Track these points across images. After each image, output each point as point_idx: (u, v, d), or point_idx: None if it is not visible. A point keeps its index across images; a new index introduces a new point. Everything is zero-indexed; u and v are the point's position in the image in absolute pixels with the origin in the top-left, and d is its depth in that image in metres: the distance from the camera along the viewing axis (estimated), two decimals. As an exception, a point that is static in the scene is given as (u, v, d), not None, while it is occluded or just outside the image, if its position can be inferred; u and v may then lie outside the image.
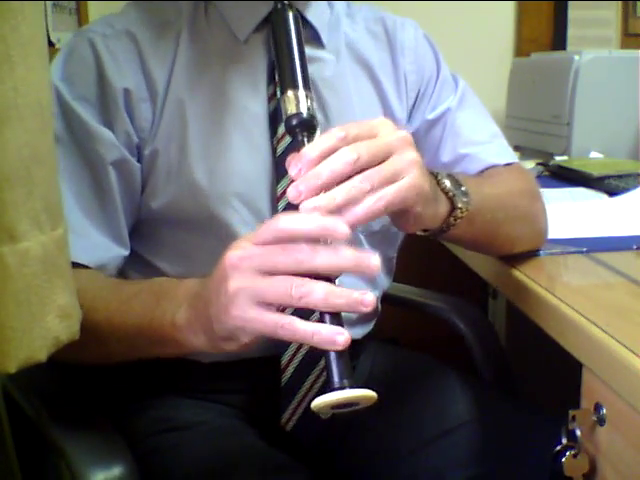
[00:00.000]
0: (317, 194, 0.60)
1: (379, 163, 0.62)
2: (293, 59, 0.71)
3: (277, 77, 0.73)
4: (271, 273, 0.57)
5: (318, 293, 0.57)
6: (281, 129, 0.83)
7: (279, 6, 0.77)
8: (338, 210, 0.60)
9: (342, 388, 0.56)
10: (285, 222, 0.58)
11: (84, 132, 0.81)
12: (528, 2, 1.98)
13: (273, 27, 0.76)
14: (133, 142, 0.82)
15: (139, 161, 0.83)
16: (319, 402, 0.56)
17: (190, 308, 0.64)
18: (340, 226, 0.58)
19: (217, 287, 0.59)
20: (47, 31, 1.60)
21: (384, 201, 0.61)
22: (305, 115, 0.67)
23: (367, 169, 0.61)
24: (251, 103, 0.85)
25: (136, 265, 0.86)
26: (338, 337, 0.57)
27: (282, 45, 0.73)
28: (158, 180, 0.83)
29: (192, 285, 0.66)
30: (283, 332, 0.57)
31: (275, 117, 0.84)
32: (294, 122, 0.67)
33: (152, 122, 0.83)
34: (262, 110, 0.85)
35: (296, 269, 0.57)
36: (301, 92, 0.68)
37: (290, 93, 0.68)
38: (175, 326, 0.65)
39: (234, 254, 0.59)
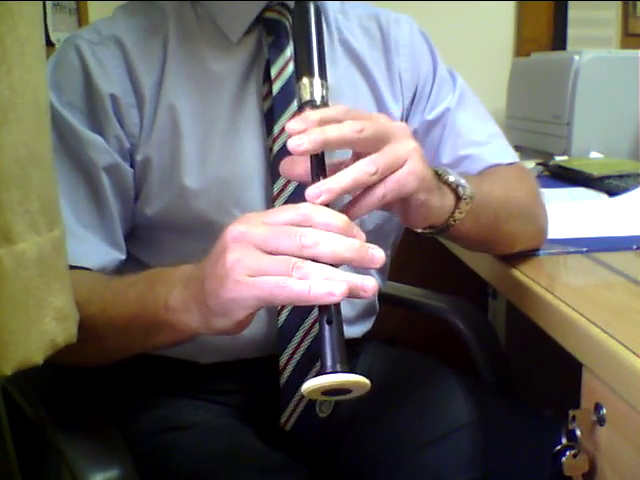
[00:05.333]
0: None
1: (379, 148, 0.62)
2: (311, 46, 0.70)
3: (293, 64, 0.72)
4: (272, 253, 0.57)
5: (319, 275, 0.55)
6: (277, 128, 0.83)
7: None
8: (343, 193, 0.60)
9: (334, 372, 0.54)
10: (309, 211, 0.58)
11: (75, 139, 0.81)
12: (528, 2, 1.98)
13: (293, 15, 0.74)
14: (125, 147, 0.82)
15: (132, 166, 0.83)
16: (309, 385, 0.53)
17: (185, 288, 0.63)
18: (359, 232, 0.58)
19: (215, 259, 0.58)
20: (47, 31, 1.61)
21: (383, 190, 0.62)
22: (319, 103, 0.66)
23: (367, 152, 0.62)
24: (244, 104, 0.85)
25: (136, 270, 0.86)
26: (335, 288, 0.55)
27: (301, 32, 0.72)
28: (152, 186, 0.83)
29: (188, 268, 0.65)
30: (279, 292, 0.55)
31: (270, 116, 0.84)
32: (307, 110, 0.66)
33: (141, 128, 0.83)
34: (255, 110, 0.85)
35: (298, 254, 0.56)
36: (316, 80, 0.68)
37: (305, 80, 0.68)
38: (168, 308, 0.64)
39: (237, 228, 0.58)
